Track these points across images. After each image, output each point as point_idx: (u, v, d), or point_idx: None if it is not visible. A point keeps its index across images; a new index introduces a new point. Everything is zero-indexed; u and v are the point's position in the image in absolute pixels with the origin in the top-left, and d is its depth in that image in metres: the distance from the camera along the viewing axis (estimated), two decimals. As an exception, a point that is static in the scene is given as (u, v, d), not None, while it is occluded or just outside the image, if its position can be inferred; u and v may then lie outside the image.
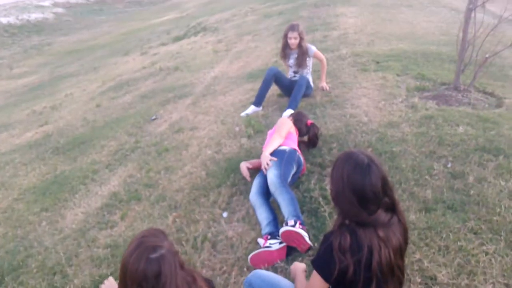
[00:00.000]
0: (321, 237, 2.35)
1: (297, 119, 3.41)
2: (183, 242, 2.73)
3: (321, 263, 1.50)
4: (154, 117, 5.45)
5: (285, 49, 4.59)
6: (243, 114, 4.61)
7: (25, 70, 13.44)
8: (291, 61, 4.58)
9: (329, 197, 2.66)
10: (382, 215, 1.47)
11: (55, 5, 23.89)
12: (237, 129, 4.28)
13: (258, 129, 4.06)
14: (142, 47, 12.08)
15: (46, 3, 23.91)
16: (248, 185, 3.14)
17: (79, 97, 7.90)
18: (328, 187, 2.80)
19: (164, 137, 4.66)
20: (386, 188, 1.46)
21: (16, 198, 4.10)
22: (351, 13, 9.26)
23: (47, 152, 5.14)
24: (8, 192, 4.27)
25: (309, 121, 3.45)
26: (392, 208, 1.51)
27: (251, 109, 4.62)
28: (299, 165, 2.93)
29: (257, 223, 2.69)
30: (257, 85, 5.30)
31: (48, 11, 22.32)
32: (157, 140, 4.64)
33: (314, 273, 1.51)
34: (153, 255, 1.35)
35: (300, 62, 4.49)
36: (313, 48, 4.52)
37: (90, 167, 4.38)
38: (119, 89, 7.61)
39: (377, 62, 5.41)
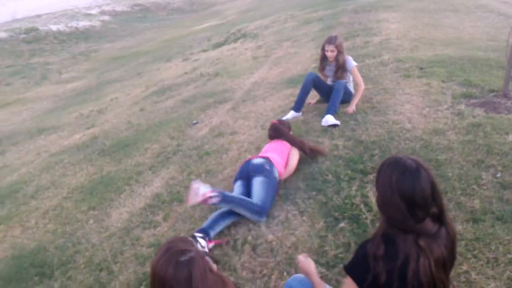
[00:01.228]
0: (362, 244, 2.34)
1: (273, 129, 3.75)
2: (223, 245, 2.77)
3: (355, 269, 1.51)
4: (195, 122, 5.57)
5: (323, 61, 4.56)
6: (282, 119, 4.62)
7: (73, 75, 14.08)
8: (329, 73, 4.56)
9: (371, 204, 2.63)
10: (429, 225, 1.44)
11: (102, 13, 24.91)
12: (276, 134, 4.30)
13: (298, 135, 4.06)
14: (184, 54, 12.38)
15: (94, 11, 24.98)
16: (288, 190, 3.15)
17: (124, 101, 8.19)
18: (370, 194, 2.76)
19: (205, 141, 4.75)
20: (435, 193, 1.43)
21: (65, 196, 4.30)
22: (393, 18, 9.09)
23: (94, 154, 5.36)
24: (58, 191, 4.49)
25: (275, 121, 3.85)
26: (440, 218, 1.47)
27: (291, 114, 4.63)
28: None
29: (297, 228, 2.70)
30: (297, 90, 5.30)
31: (95, 19, 23.31)
32: (198, 144, 4.74)
33: (348, 278, 1.51)
34: (183, 258, 1.33)
35: (337, 75, 4.45)
36: (352, 63, 4.37)
37: (134, 169, 4.53)
38: (162, 94, 7.83)
39: (421, 68, 5.28)
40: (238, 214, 2.94)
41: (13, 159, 6.22)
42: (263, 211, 2.87)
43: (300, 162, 3.47)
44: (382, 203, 1.49)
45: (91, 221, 3.65)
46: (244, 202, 2.88)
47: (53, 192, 4.51)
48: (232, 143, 4.45)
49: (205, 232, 2.74)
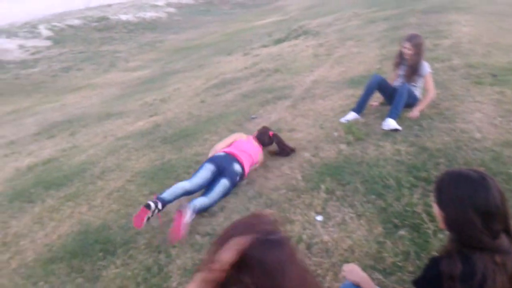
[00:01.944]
0: (423, 256, 2.28)
1: (260, 133, 4.26)
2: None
3: (427, 286, 1.46)
4: (254, 116, 5.64)
5: (398, 57, 4.45)
6: (342, 120, 4.57)
7: (139, 64, 14.72)
8: (401, 72, 4.43)
9: (434, 215, 2.54)
10: (505, 241, 1.38)
11: (168, 5, 25.77)
12: (336, 134, 4.27)
13: (358, 137, 4.00)
14: (245, 48, 12.53)
15: (160, 3, 25.90)
16: (346, 192, 3.13)
17: (185, 92, 8.45)
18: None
19: (264, 136, 4.80)
20: (504, 201, 1.37)
21: (128, 179, 4.52)
22: (465, 21, 8.65)
23: (156, 141, 5.59)
24: (122, 174, 4.73)
25: (271, 133, 4.24)
26: (509, 231, 1.41)
27: (351, 115, 4.57)
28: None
29: (354, 231, 2.67)
30: (358, 91, 5.21)
31: (161, 11, 24.16)
32: (257, 138, 4.80)
33: None
34: (274, 238, 1.18)
35: (407, 77, 4.32)
36: (427, 69, 4.23)
37: (193, 158, 4.67)
38: (222, 87, 7.99)
39: (494, 75, 5.00)
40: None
41: (82, 140, 6.63)
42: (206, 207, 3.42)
43: (360, 165, 3.43)
44: (453, 221, 1.43)
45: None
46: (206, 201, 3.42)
47: (117, 175, 4.76)
48: (290, 140, 4.46)
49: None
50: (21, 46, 16.93)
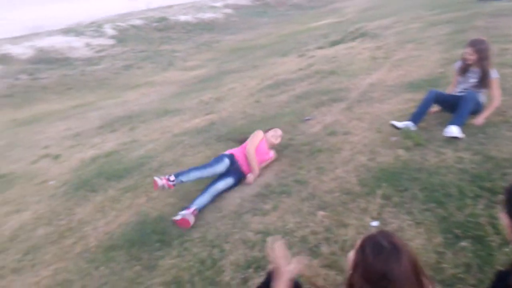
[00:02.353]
0: (486, 269, 2.18)
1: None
2: (331, 243, 2.78)
3: None
4: (308, 118, 5.62)
5: (461, 63, 4.25)
6: (396, 123, 4.42)
7: (196, 64, 15.11)
8: (469, 80, 4.21)
9: (500, 227, 2.42)
10: None
11: (226, 6, 26.24)
12: (393, 139, 4.16)
13: (418, 142, 3.88)
14: (300, 50, 12.49)
15: (218, 4, 26.43)
16: (403, 198, 3.04)
17: (240, 92, 8.58)
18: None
19: (317, 138, 4.78)
20: None
21: (184, 174, 4.67)
22: (538, 24, 8.10)
23: (211, 139, 5.73)
24: (178, 168, 4.89)
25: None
26: None
27: (407, 124, 4.38)
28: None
29: (412, 239, 2.60)
30: (418, 96, 5.05)
31: (219, 12, 24.65)
32: (310, 140, 4.78)
33: None
34: (398, 251, 1.32)
35: (479, 84, 4.11)
36: (493, 74, 4.03)
37: (247, 157, 4.73)
38: (276, 87, 8.02)
39: None
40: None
41: (141, 135, 6.92)
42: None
43: (419, 171, 3.33)
44: None
45: (206, 201, 3.92)
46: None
47: (174, 169, 4.92)
48: (345, 143, 4.41)
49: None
50: (87, 44, 17.94)
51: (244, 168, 4.27)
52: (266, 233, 3.09)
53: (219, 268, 2.82)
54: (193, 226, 3.47)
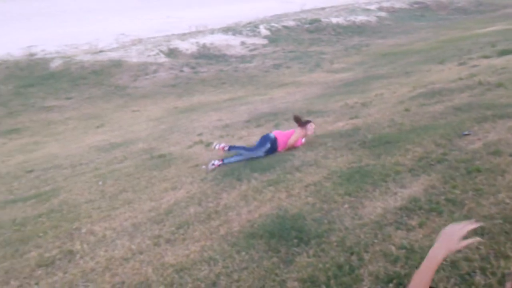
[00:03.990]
0: None
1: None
2: (488, 273, 2.48)
3: None
4: (466, 133, 5.10)
5: None
6: None
7: (343, 66, 14.98)
8: None
9: None
10: None
11: (380, 9, 25.39)
12: None
13: None
14: (461, 57, 11.40)
15: (372, 7, 25.72)
16: None
17: (389, 99, 8.22)
18: None
19: (476, 156, 4.31)
20: None
21: (325, 176, 4.68)
22: None
23: (354, 144, 5.61)
24: (319, 170, 4.92)
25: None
26: None
27: None
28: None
29: None
30: None
31: (372, 15, 23.98)
32: (468, 157, 4.34)
33: None
34: None
35: None
36: None
37: (392, 167, 4.52)
38: (431, 97, 7.46)
39: None
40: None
41: (284, 132, 7.14)
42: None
43: None
44: None
45: (346, 205, 3.86)
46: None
47: (314, 170, 4.97)
48: (511, 165, 3.88)
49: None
50: (242, 43, 19.22)
51: (279, 148, 5.87)
52: (410, 250, 2.90)
53: (357, 276, 2.74)
54: (331, 229, 3.45)
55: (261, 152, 5.80)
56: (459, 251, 2.76)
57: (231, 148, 6.08)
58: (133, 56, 16.64)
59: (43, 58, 16.40)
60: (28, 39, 18.46)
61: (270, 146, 5.82)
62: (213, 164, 5.69)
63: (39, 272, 3.71)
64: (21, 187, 6.59)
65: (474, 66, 9.78)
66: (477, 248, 2.77)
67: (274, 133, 6.03)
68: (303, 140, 5.99)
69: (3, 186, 6.77)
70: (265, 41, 19.64)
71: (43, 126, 11.69)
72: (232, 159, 5.82)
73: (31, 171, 7.37)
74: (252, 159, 5.80)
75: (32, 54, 16.72)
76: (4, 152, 9.47)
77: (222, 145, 6.17)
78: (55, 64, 15.70)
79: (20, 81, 14.68)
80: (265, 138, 5.93)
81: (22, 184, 6.75)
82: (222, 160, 5.79)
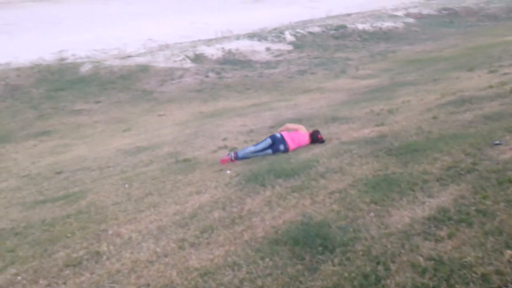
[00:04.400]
0: None
1: (314, 132, 6.76)
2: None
3: None
4: (497, 142, 4.96)
5: None
6: None
7: (368, 73, 14.83)
8: None
9: None
10: None
11: (407, 15, 25.04)
12: None
13: None
14: (491, 65, 11.13)
15: (400, 13, 25.39)
16: None
17: (416, 106, 8.08)
18: None
19: (508, 167, 4.18)
20: None
21: (350, 184, 4.62)
22: None
23: (380, 151, 5.53)
24: (344, 177, 4.87)
25: (319, 136, 6.72)
26: None
27: None
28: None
29: None
30: None
31: (399, 21, 23.67)
32: (499, 167, 4.22)
33: None
34: None
35: None
36: None
37: (420, 176, 4.43)
38: (460, 105, 7.30)
39: None
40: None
41: (309, 139, 7.10)
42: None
43: None
44: None
45: (371, 214, 3.81)
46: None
47: (339, 177, 4.93)
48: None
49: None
50: (267, 49, 19.27)
51: (287, 147, 6.47)
52: (439, 262, 2.84)
53: (383, 286, 2.70)
54: (356, 238, 3.41)
55: (266, 144, 6.53)
56: (489, 263, 2.70)
57: (238, 152, 6.59)
58: (160, 61, 16.92)
59: (73, 62, 16.86)
60: (59, 43, 19.02)
61: (271, 141, 6.50)
62: (228, 155, 6.51)
63: (67, 272, 3.79)
64: (51, 188, 6.77)
65: (505, 74, 9.53)
66: (509, 261, 2.69)
67: (284, 135, 6.59)
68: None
69: (34, 186, 6.96)
70: (290, 47, 19.64)
71: (73, 129, 11.99)
72: (244, 153, 6.55)
73: (60, 173, 7.57)
74: (269, 157, 6.36)
75: (62, 59, 17.21)
76: (35, 154, 9.76)
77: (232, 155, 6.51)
78: (85, 69, 16.11)
79: (51, 84, 15.12)
80: (277, 144, 6.49)
81: (51, 185, 6.93)
82: (236, 153, 6.49)
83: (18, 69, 15.75)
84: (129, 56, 17.57)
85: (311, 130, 6.87)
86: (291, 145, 6.49)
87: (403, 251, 3.08)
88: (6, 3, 35.30)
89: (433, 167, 4.64)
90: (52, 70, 16.03)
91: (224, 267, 3.37)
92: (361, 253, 3.16)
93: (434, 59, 14.85)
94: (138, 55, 17.86)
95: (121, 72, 16.03)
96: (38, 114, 13.31)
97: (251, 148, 6.53)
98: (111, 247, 4.12)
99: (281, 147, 6.43)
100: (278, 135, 6.55)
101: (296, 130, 6.76)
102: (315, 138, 6.66)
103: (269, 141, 6.50)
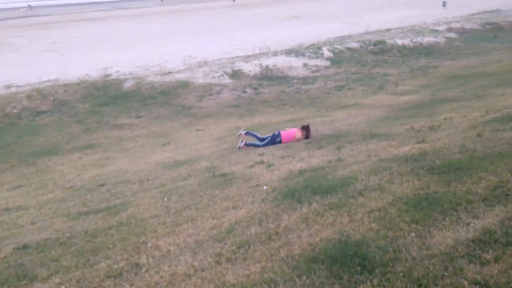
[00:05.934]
0: None
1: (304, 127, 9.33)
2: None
3: None
4: (548, 162, 4.73)
5: None
6: None
7: (408, 89, 14.55)
8: None
9: None
10: None
11: (449, 30, 24.48)
12: None
13: None
14: (540, 80, 10.66)
15: (441, 28, 24.86)
16: None
17: (459, 123, 7.83)
18: None
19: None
20: None
21: (389, 202, 4.52)
22: None
23: (422, 169, 5.39)
24: (384, 195, 4.77)
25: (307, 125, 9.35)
26: None
27: None
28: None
29: None
30: None
31: (440, 36, 23.17)
32: (550, 188, 4.01)
33: None
34: None
35: None
36: None
37: (464, 196, 4.28)
38: (506, 122, 7.01)
39: None
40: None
41: (347, 155, 7.03)
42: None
43: None
44: None
45: (412, 234, 3.70)
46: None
47: (378, 195, 4.83)
48: None
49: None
50: (305, 65, 19.34)
51: (280, 139, 9.06)
52: (484, 286, 2.72)
53: (425, 310, 2.61)
54: (396, 258, 3.32)
55: (268, 138, 9.18)
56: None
57: (248, 133, 9.62)
58: (199, 77, 17.33)
59: (117, 79, 17.57)
60: (104, 61, 19.90)
61: (271, 137, 9.13)
62: (242, 142, 9.15)
63: (108, 282, 3.90)
64: (94, 199, 7.03)
65: (556, 89, 9.09)
66: None
67: (282, 133, 9.19)
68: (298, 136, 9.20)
69: (78, 198, 7.25)
70: (327, 63, 19.62)
71: (115, 142, 12.44)
72: (252, 144, 9.23)
73: (102, 185, 7.84)
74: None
75: (107, 75, 17.98)
76: (80, 166, 10.18)
77: (243, 132, 9.58)
78: (127, 85, 16.74)
79: (96, 100, 15.80)
80: (274, 139, 9.08)
81: (94, 197, 7.19)
82: (245, 143, 9.09)
83: (66, 85, 16.59)
84: (169, 73, 18.12)
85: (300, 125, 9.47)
86: (284, 139, 9.02)
87: (446, 273, 2.97)
88: (55, 22, 37.42)
89: (477, 186, 4.46)
90: (97, 86, 16.76)
91: (261, 284, 3.36)
92: (401, 274, 3.07)
93: (477, 75, 14.39)
94: (178, 72, 18.38)
95: (161, 88, 16.54)
96: (83, 128, 13.91)
97: (257, 142, 9.19)
98: (150, 260, 4.21)
99: (278, 139, 9.03)
100: (277, 133, 9.20)
101: (290, 130, 9.39)
102: (306, 128, 9.27)
103: (271, 136, 9.18)
